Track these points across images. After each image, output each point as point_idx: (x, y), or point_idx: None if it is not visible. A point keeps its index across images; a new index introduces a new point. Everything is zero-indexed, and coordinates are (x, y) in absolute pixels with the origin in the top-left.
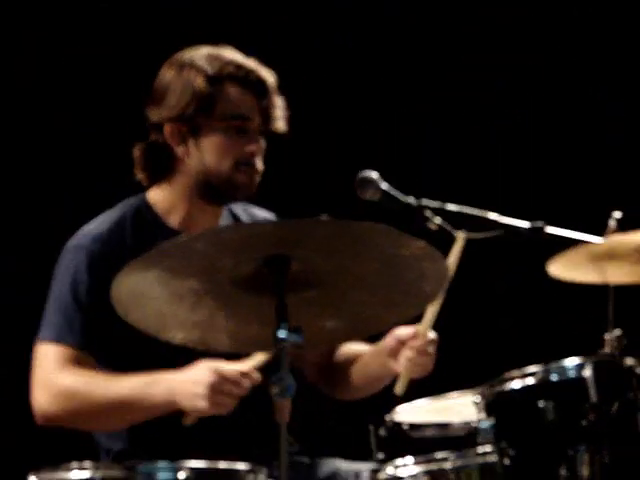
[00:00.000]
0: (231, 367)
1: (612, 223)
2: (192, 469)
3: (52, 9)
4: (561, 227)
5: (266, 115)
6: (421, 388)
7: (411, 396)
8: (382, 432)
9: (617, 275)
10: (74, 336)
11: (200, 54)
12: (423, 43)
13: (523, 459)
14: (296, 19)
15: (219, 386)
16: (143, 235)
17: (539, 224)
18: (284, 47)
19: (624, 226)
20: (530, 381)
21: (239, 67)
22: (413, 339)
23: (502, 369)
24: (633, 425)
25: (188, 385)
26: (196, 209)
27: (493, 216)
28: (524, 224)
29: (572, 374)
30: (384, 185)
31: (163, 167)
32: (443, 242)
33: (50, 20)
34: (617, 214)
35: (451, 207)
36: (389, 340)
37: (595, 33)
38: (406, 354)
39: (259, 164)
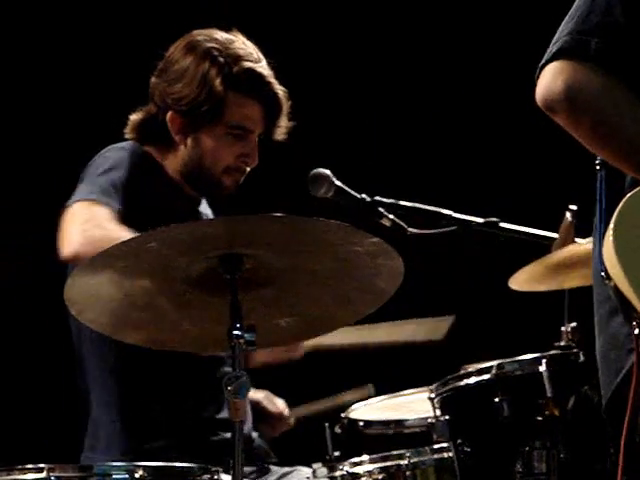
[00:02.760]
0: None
1: (568, 216)
2: (147, 468)
3: None
4: (516, 223)
5: (268, 127)
6: (376, 386)
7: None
8: (337, 430)
9: (577, 279)
10: (119, 203)
11: (223, 47)
12: (374, 39)
13: (479, 455)
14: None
15: None
16: (149, 176)
17: (493, 220)
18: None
19: (580, 220)
20: (485, 377)
21: (256, 78)
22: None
23: (458, 365)
24: (589, 420)
25: None
26: (191, 186)
27: (446, 212)
28: (478, 220)
29: (527, 369)
30: (337, 182)
31: (160, 138)
32: (397, 239)
33: None
34: (573, 207)
35: (404, 203)
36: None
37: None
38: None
39: (247, 170)
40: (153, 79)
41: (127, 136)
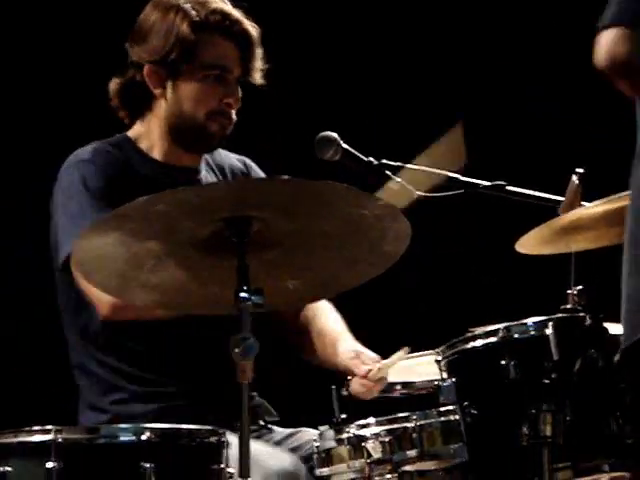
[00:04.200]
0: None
1: (574, 180)
2: (154, 430)
3: None
4: (524, 187)
5: (246, 67)
6: (383, 349)
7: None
8: (344, 392)
9: (583, 242)
10: None
11: None
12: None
13: (485, 418)
14: None
15: None
16: (132, 166)
17: (500, 183)
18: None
19: (587, 184)
20: (492, 340)
21: (225, 16)
22: (364, 377)
23: (465, 328)
24: (595, 383)
25: None
26: (176, 147)
27: (453, 175)
28: (485, 183)
29: (534, 332)
30: (344, 145)
31: (140, 104)
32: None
33: None
34: (579, 170)
35: (411, 166)
36: (349, 364)
37: None
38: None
39: (233, 115)
40: (127, 44)
41: (112, 104)
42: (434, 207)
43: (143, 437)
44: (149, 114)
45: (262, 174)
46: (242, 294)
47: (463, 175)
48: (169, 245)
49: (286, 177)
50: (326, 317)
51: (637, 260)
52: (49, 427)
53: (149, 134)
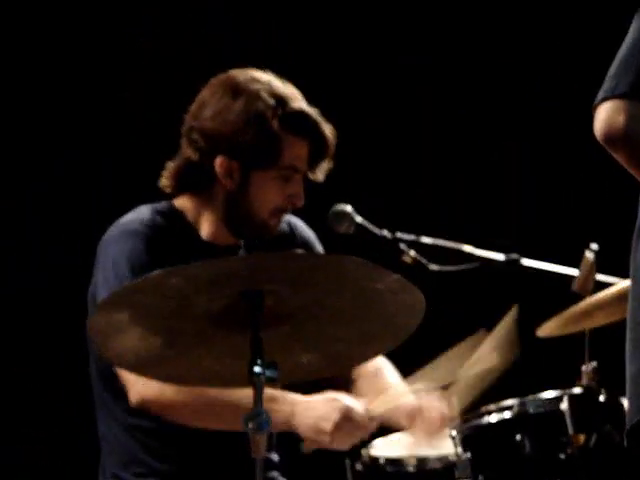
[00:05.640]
0: (359, 407)
1: (589, 255)
2: None
3: None
4: (538, 260)
5: (313, 166)
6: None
7: (387, 430)
8: (358, 467)
9: (598, 319)
10: None
11: (268, 87)
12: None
13: None
14: None
15: (345, 427)
16: (177, 242)
17: (514, 256)
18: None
19: (600, 259)
20: (507, 414)
21: (307, 117)
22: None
23: (479, 402)
24: (610, 459)
25: (314, 418)
26: (224, 229)
27: (468, 248)
28: (499, 257)
29: (549, 407)
30: (358, 218)
31: (199, 185)
32: (418, 275)
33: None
34: (594, 246)
35: (426, 240)
36: (410, 411)
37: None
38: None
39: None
40: (190, 123)
41: (163, 184)
42: (447, 280)
43: None
44: (204, 194)
45: (310, 233)
46: (256, 368)
47: (477, 248)
48: (182, 319)
49: (300, 251)
50: (388, 376)
51: (637, 343)
52: None
53: (197, 211)
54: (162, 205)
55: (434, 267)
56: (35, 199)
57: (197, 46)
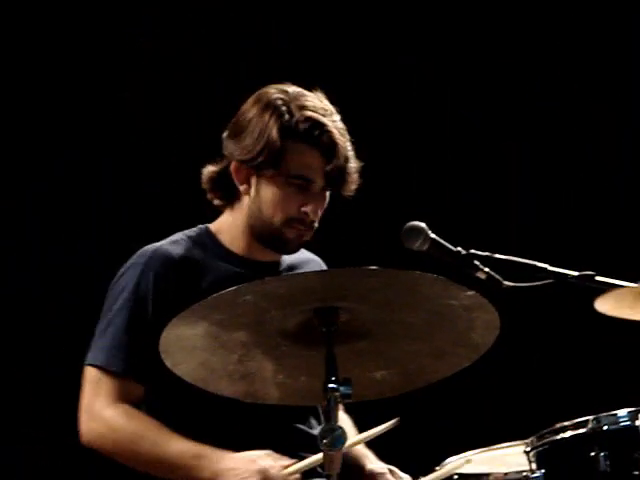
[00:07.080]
0: (280, 467)
1: None
2: None
3: None
4: (609, 276)
5: (331, 178)
6: (470, 439)
7: (460, 448)
8: None
9: None
10: (122, 363)
11: (289, 98)
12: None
13: None
14: None
15: None
16: (208, 262)
17: (589, 273)
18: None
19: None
20: (581, 431)
21: (315, 125)
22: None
23: (552, 419)
24: None
25: (234, 477)
26: (257, 243)
27: (542, 265)
28: (573, 273)
29: (624, 423)
30: (432, 235)
31: (229, 194)
32: (493, 291)
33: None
34: None
35: (500, 256)
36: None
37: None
38: None
39: (315, 223)
40: (224, 133)
41: (203, 186)
42: (522, 297)
43: None
44: (237, 205)
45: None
46: (331, 384)
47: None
48: (257, 335)
49: (374, 267)
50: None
51: None
52: None
53: (233, 226)
54: (196, 230)
55: (508, 283)
56: (35, 199)
57: (197, 46)
